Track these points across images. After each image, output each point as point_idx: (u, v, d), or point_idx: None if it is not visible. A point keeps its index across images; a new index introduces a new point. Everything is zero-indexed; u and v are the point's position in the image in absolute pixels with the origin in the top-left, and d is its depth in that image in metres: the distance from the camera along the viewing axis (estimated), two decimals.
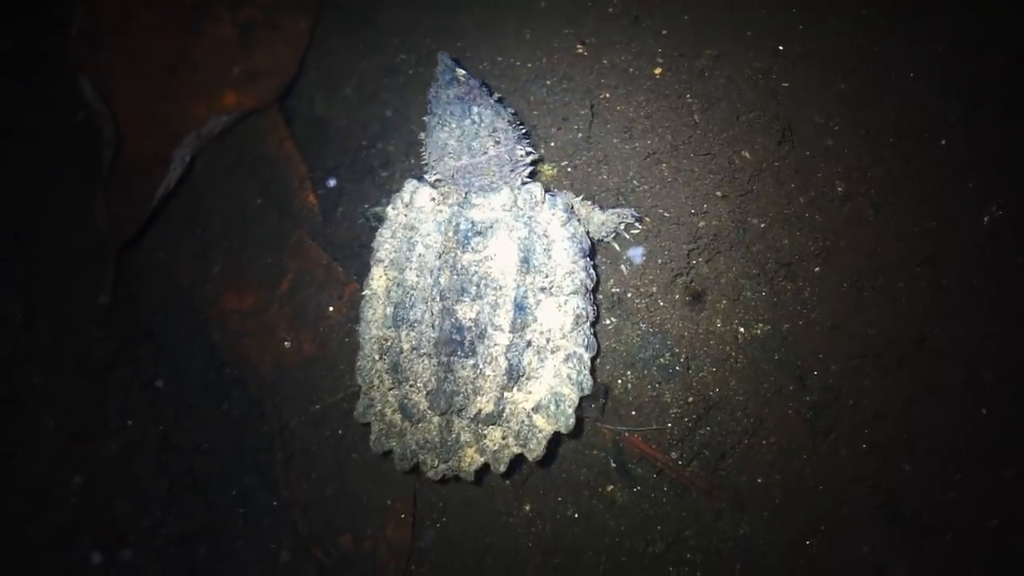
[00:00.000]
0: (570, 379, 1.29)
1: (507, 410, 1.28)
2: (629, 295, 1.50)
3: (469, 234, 1.27)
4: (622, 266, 1.50)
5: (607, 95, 1.54)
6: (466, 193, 1.31)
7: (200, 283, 1.56)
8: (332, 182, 1.60)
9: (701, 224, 1.49)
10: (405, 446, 1.31)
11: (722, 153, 1.49)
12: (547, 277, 1.28)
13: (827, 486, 1.46)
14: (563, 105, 1.54)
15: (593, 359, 1.33)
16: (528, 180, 1.40)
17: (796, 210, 1.48)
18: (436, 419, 1.28)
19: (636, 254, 1.45)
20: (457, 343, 1.24)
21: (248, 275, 1.56)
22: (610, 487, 1.50)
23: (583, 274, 1.30)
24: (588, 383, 1.30)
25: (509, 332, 1.25)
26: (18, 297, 1.39)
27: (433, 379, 1.26)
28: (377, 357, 1.32)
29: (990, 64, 1.47)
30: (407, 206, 1.34)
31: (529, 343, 1.27)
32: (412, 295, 1.28)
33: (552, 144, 1.54)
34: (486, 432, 1.29)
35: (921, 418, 1.46)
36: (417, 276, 1.28)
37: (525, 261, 1.26)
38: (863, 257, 1.47)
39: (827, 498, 1.46)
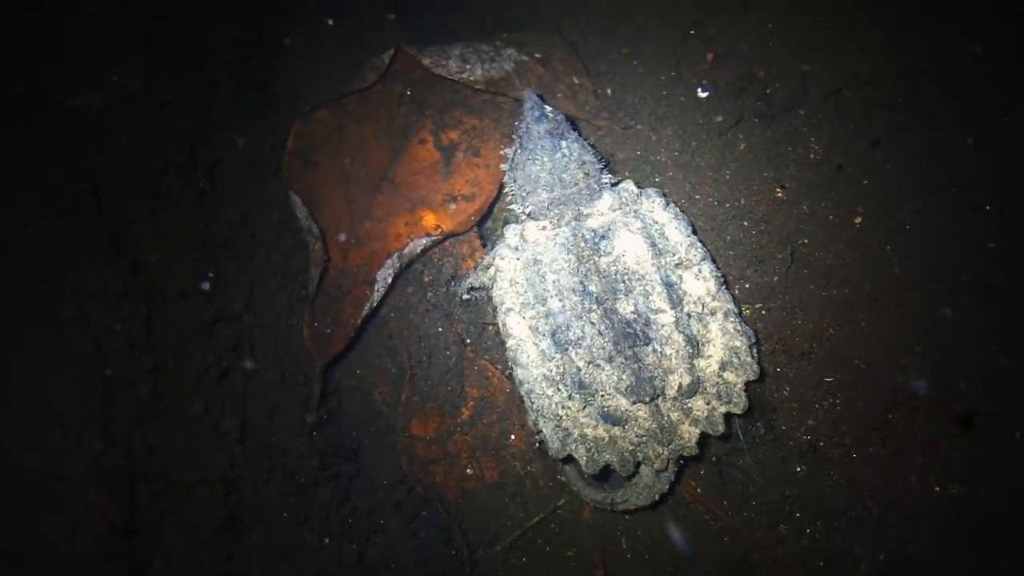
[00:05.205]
0: (737, 331, 1.36)
1: (699, 377, 1.35)
2: (822, 444, 1.51)
3: (596, 240, 1.35)
4: (809, 419, 1.51)
5: (805, 240, 1.55)
6: (579, 209, 1.39)
7: (391, 404, 1.59)
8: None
9: (899, 378, 1.49)
10: (621, 450, 1.37)
11: (922, 309, 1.50)
12: (675, 255, 1.37)
13: None
14: (759, 247, 1.56)
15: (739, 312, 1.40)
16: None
17: (999, 372, 1.48)
18: (643, 411, 1.34)
19: (920, 386, 1.47)
20: (632, 335, 1.32)
21: (432, 401, 1.59)
22: None
23: (700, 243, 1.39)
24: (751, 332, 1.38)
25: (671, 309, 1.33)
26: (235, 413, 1.44)
27: (626, 375, 1.31)
28: (552, 392, 1.36)
29: None
30: (517, 249, 1.40)
31: (689, 315, 1.35)
32: (564, 318, 1.34)
33: (747, 286, 1.56)
34: (690, 404, 1.36)
35: None
36: (560, 300, 1.34)
37: (653, 246, 1.35)
38: None
39: None
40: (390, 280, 1.59)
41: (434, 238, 1.61)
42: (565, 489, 1.57)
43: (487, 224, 1.67)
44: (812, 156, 1.57)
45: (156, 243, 1.45)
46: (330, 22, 1.69)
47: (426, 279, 1.64)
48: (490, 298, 1.54)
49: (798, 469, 1.51)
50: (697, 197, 1.59)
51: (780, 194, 1.57)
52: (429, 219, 1.62)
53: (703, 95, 1.62)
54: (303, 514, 1.46)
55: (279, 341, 1.53)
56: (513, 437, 1.59)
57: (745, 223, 1.57)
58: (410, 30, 1.73)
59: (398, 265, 1.59)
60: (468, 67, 1.63)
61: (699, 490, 1.55)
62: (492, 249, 1.49)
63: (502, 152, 1.64)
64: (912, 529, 1.47)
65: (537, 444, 1.47)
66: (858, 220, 1.54)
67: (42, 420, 1.28)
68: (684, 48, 1.64)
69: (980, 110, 1.54)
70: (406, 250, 1.60)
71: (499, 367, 1.60)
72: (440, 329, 1.62)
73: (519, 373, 1.38)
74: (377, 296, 1.58)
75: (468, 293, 1.57)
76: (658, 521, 1.57)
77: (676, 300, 1.34)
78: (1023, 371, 1.48)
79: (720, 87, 1.61)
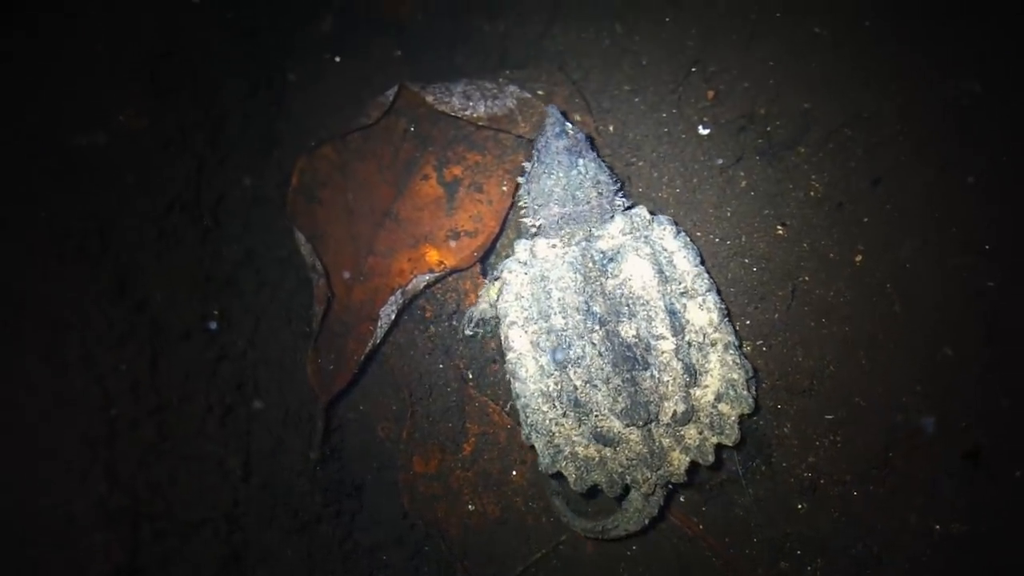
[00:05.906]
0: (735, 364, 1.38)
1: (694, 406, 1.36)
2: (822, 481, 1.51)
3: (604, 262, 1.36)
4: (810, 457, 1.52)
5: (806, 278, 1.56)
6: (590, 229, 1.41)
7: (394, 440, 1.60)
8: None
9: (899, 417, 1.50)
10: (610, 471, 1.38)
11: (923, 347, 1.51)
12: (681, 283, 1.38)
13: None
14: (760, 284, 1.57)
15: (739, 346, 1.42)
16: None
17: (1001, 411, 1.48)
18: (635, 434, 1.35)
19: (927, 423, 1.48)
20: (631, 359, 1.33)
21: (433, 438, 1.59)
22: None
23: (707, 274, 1.40)
24: (749, 366, 1.39)
25: (672, 337, 1.34)
26: (239, 451, 1.45)
27: (621, 397, 1.32)
28: (547, 408, 1.38)
29: None
30: (525, 264, 1.41)
31: (689, 343, 1.37)
32: (565, 336, 1.34)
33: (748, 322, 1.57)
34: (683, 432, 1.38)
35: None
36: (563, 318, 1.35)
37: (660, 272, 1.36)
38: None
39: None
40: (393, 316, 1.60)
41: (437, 274, 1.61)
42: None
43: (490, 260, 1.68)
44: (813, 194, 1.58)
45: (161, 282, 1.46)
46: (336, 59, 1.70)
47: (428, 315, 1.64)
48: (493, 333, 1.55)
49: (799, 506, 1.52)
50: (699, 234, 1.60)
51: (781, 232, 1.58)
52: (432, 255, 1.63)
53: (704, 132, 1.63)
54: (306, 551, 1.47)
55: (283, 378, 1.54)
56: (515, 473, 1.59)
57: (746, 260, 1.58)
58: (414, 67, 1.75)
59: (401, 301, 1.60)
60: (471, 104, 1.64)
61: (701, 526, 1.56)
62: (493, 275, 1.50)
63: (504, 188, 1.66)
64: (913, 567, 1.48)
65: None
66: (859, 258, 1.55)
67: (47, 461, 1.29)
68: (686, 85, 1.65)
69: (981, 149, 1.55)
70: (409, 286, 1.60)
71: (500, 404, 1.60)
72: (441, 366, 1.62)
73: (516, 387, 1.39)
74: (380, 332, 1.58)
75: (471, 328, 1.57)
76: (660, 556, 1.58)
77: (678, 328, 1.35)
78: (1023, 410, 1.48)
79: (721, 124, 1.62)
